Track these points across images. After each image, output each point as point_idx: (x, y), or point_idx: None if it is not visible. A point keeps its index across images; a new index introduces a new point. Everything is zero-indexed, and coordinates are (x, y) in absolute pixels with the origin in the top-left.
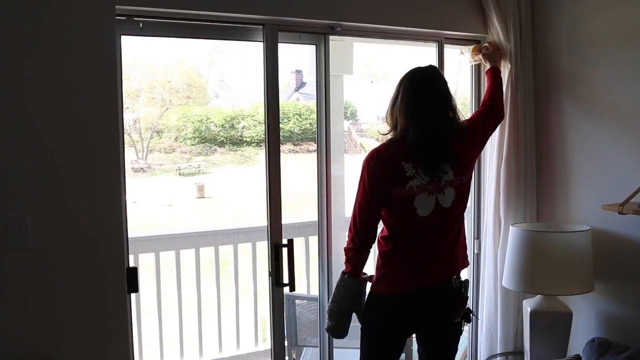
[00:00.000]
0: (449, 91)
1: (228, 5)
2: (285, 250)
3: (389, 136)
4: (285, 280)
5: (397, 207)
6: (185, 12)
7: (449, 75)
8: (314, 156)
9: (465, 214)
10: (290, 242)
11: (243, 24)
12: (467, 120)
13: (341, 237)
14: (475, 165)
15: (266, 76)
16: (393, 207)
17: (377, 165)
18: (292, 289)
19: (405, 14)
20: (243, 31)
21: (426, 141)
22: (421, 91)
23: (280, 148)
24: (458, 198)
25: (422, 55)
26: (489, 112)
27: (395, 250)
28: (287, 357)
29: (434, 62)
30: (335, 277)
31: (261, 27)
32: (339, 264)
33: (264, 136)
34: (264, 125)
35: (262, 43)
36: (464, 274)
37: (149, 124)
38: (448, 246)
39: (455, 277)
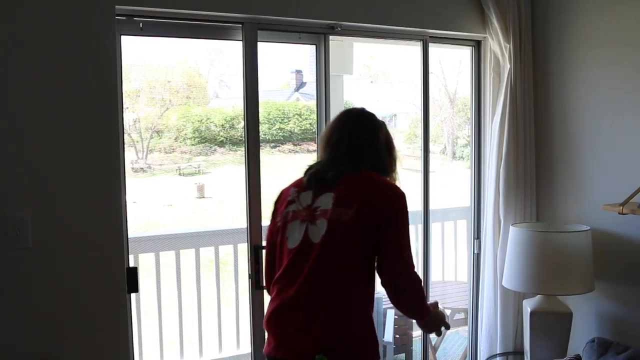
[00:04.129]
0: (372, 137)
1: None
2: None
3: None
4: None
5: (275, 239)
6: (186, 12)
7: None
8: (314, 156)
9: (465, 213)
10: None
11: (224, 23)
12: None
13: None
14: (475, 165)
15: (245, 75)
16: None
17: (277, 200)
18: None
19: (402, 14)
20: (227, 30)
21: (320, 163)
22: (340, 121)
23: (281, 148)
24: (329, 234)
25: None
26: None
27: (271, 299)
28: None
29: (433, 61)
30: None
31: (240, 25)
32: None
33: (245, 137)
34: (243, 126)
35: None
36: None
37: (149, 124)
38: (318, 303)
39: (321, 355)
